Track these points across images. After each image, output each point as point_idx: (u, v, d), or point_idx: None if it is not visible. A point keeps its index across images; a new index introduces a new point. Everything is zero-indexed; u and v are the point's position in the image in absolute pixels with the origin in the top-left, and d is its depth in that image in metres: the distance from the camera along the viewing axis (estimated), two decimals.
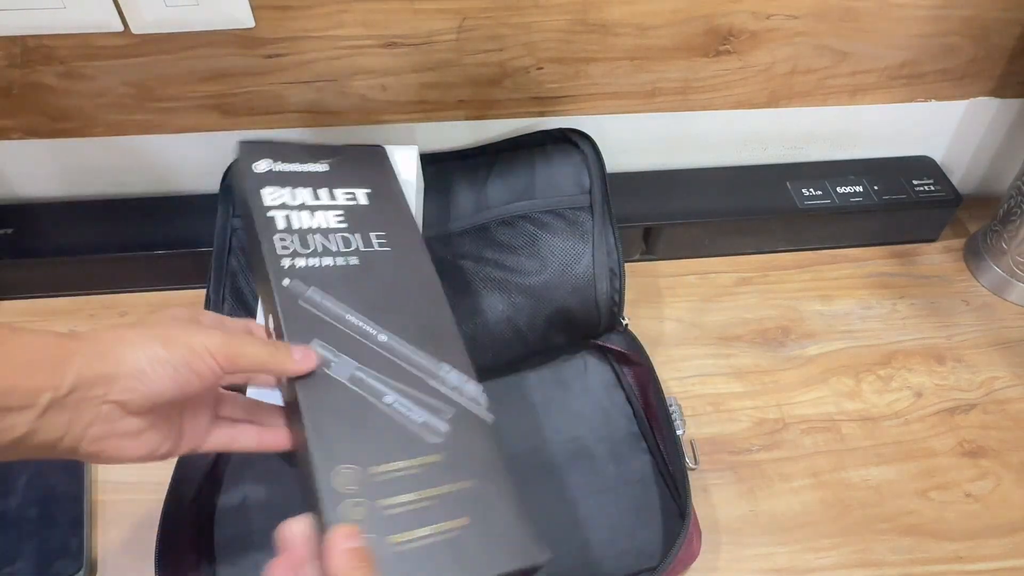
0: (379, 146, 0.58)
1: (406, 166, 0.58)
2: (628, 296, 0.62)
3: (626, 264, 0.61)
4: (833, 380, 0.64)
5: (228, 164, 0.63)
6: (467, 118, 0.67)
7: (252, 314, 0.58)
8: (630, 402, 0.62)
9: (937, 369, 0.65)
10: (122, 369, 0.35)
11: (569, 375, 0.63)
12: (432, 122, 0.67)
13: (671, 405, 0.58)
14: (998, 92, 0.71)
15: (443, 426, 0.42)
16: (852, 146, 0.75)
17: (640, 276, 0.71)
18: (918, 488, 0.57)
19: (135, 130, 0.66)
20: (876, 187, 0.72)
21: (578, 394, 0.62)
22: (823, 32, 0.64)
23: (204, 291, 0.60)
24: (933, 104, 0.72)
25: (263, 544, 0.53)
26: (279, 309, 0.44)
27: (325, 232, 0.49)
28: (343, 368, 0.43)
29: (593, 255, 0.61)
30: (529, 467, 0.57)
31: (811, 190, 0.72)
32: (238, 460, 0.57)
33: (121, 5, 0.55)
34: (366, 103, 0.65)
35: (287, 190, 0.50)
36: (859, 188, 0.72)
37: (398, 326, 0.45)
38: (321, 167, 0.53)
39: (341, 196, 0.52)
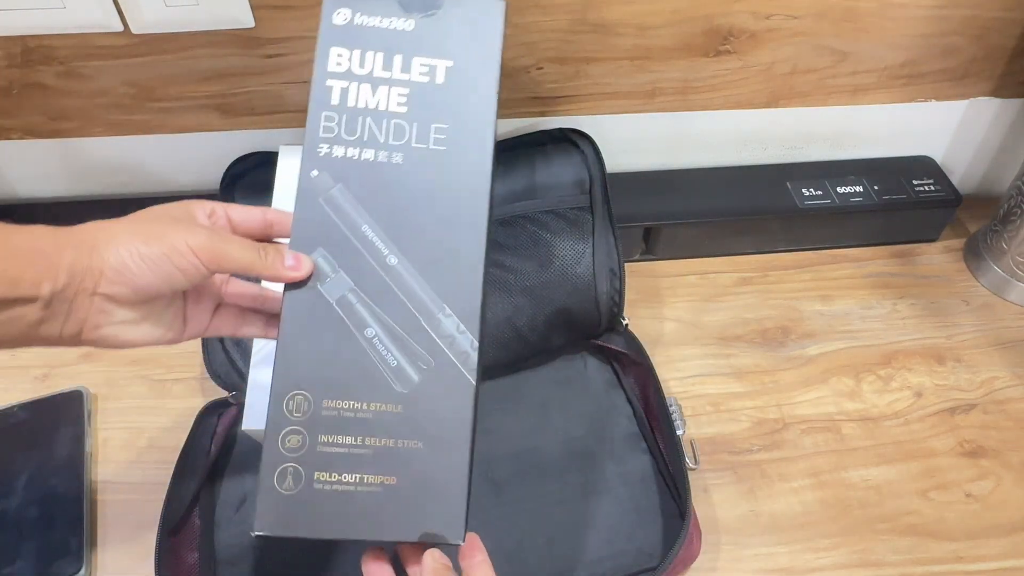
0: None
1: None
2: (628, 296, 0.62)
3: (626, 264, 0.62)
4: (833, 380, 0.64)
5: (228, 164, 0.63)
6: None
7: None
8: (630, 402, 0.62)
9: (937, 369, 0.65)
10: (107, 264, 0.36)
11: (569, 375, 0.63)
12: None
13: (671, 405, 0.58)
14: (998, 92, 0.71)
15: (415, 376, 0.40)
16: (852, 146, 0.75)
17: (640, 276, 0.71)
18: (918, 488, 0.57)
19: (135, 130, 0.66)
20: (876, 187, 0.72)
21: (578, 394, 0.62)
22: (823, 32, 0.64)
23: None
24: (933, 104, 0.72)
25: (263, 544, 0.53)
26: (295, 203, 0.41)
27: (379, 116, 0.42)
28: (336, 287, 0.40)
29: (593, 255, 0.61)
30: (529, 467, 0.57)
31: (811, 190, 0.72)
32: (238, 460, 0.57)
33: (121, 5, 0.55)
34: None
35: (357, 53, 0.43)
36: (859, 188, 0.72)
37: (414, 249, 0.41)
38: (407, 24, 0.43)
39: (417, 68, 0.43)
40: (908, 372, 0.64)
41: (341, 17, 0.43)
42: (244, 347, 0.58)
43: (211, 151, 0.67)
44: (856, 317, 0.69)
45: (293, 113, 0.65)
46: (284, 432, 0.39)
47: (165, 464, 0.54)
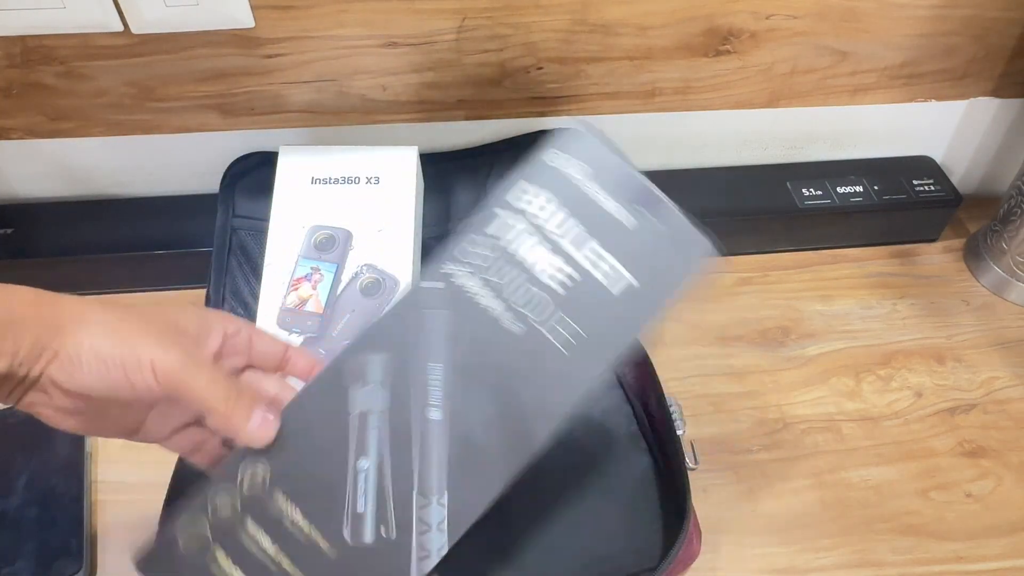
0: (708, 242, 0.41)
1: (404, 167, 0.58)
2: None
3: None
4: (833, 380, 0.64)
5: (228, 164, 0.63)
6: (467, 118, 0.67)
7: (252, 315, 0.58)
8: (630, 402, 0.61)
9: (937, 369, 0.65)
10: (63, 350, 0.34)
11: None
12: (432, 122, 0.67)
13: (671, 405, 0.58)
14: (998, 92, 0.71)
15: (369, 536, 0.35)
16: (852, 146, 0.75)
17: None
18: (918, 488, 0.57)
19: (135, 130, 0.66)
20: (876, 187, 0.72)
21: None
22: (823, 32, 0.64)
23: (204, 291, 0.60)
24: (933, 104, 0.72)
25: None
26: (394, 301, 0.38)
27: (526, 276, 0.37)
28: (367, 399, 0.36)
29: None
30: (529, 467, 0.57)
31: (811, 190, 0.72)
32: None
33: (121, 5, 0.55)
34: (366, 103, 0.65)
35: (552, 209, 0.38)
36: (859, 188, 0.72)
37: (461, 420, 0.37)
38: (619, 213, 0.39)
39: (586, 256, 0.38)
40: (908, 372, 0.64)
41: (567, 166, 0.40)
42: None
43: (211, 151, 0.67)
44: (856, 317, 0.69)
45: (293, 113, 0.65)
46: (222, 489, 0.36)
47: (165, 464, 0.54)
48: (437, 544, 0.36)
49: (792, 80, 0.68)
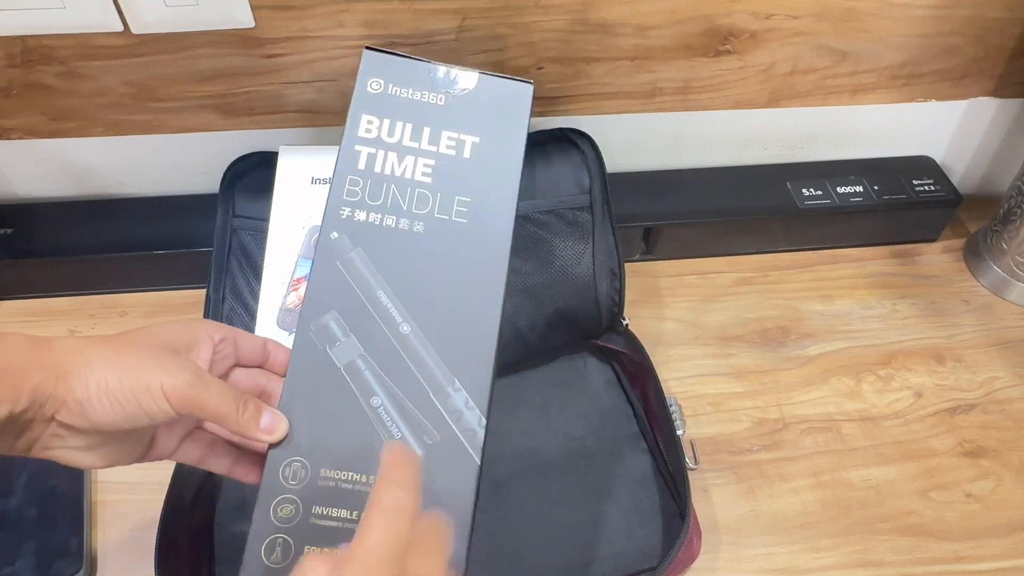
0: (528, 82, 0.47)
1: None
2: (628, 296, 0.62)
3: (626, 264, 0.61)
4: (833, 380, 0.64)
5: (229, 163, 0.63)
6: None
7: (252, 315, 0.58)
8: (630, 402, 0.62)
9: (937, 369, 0.65)
10: (71, 395, 0.34)
11: (569, 375, 0.63)
12: None
13: (671, 405, 0.58)
14: (998, 92, 0.71)
15: (419, 450, 0.39)
16: (852, 146, 0.75)
17: (640, 276, 0.71)
18: (918, 488, 0.57)
19: (135, 130, 0.66)
20: (876, 187, 0.72)
21: (578, 394, 0.62)
22: (823, 32, 0.64)
23: (204, 291, 0.60)
24: (933, 104, 0.72)
25: None
26: (312, 265, 0.41)
27: (404, 184, 0.43)
28: (345, 351, 0.39)
29: (593, 255, 0.61)
30: (529, 467, 0.57)
31: (811, 190, 0.72)
32: None
33: (121, 5, 0.55)
34: None
35: (387, 122, 0.44)
36: (859, 188, 0.72)
37: (428, 319, 0.41)
38: (438, 99, 0.45)
39: (444, 141, 0.44)
40: (908, 372, 0.64)
41: (375, 86, 0.44)
42: None
43: (211, 151, 0.67)
44: (856, 317, 0.69)
45: (293, 113, 0.65)
46: (277, 500, 0.37)
47: (165, 464, 0.54)
48: (475, 420, 0.39)
49: (792, 80, 0.68)
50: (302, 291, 0.56)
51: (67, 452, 0.36)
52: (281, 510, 0.37)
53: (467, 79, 0.45)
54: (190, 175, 0.69)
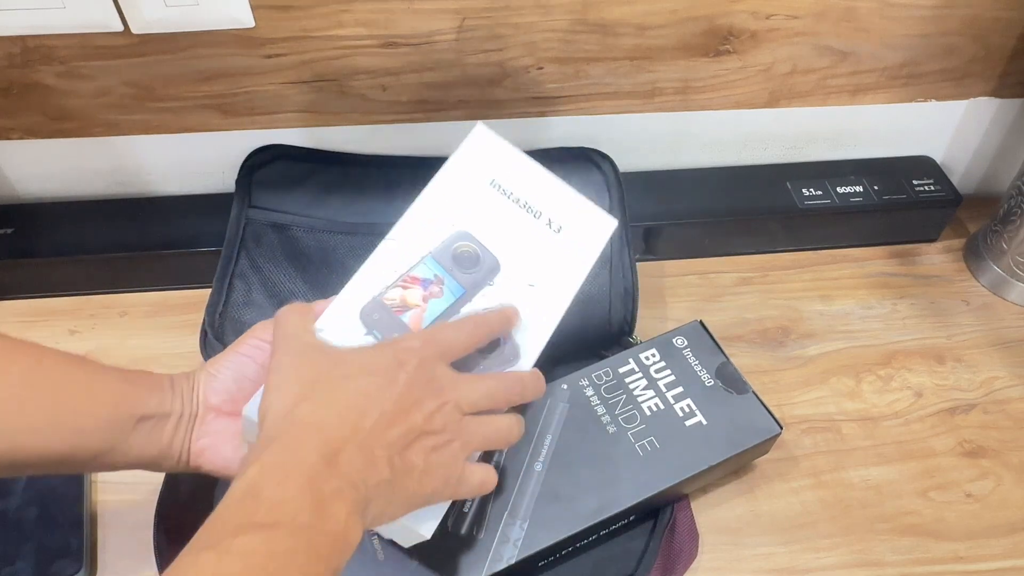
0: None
1: (597, 234, 0.50)
2: None
3: None
4: (833, 380, 0.64)
5: (246, 156, 0.63)
6: (467, 118, 0.67)
7: (254, 310, 0.58)
8: None
9: (937, 369, 0.65)
10: (199, 377, 0.44)
11: None
12: (432, 122, 0.67)
13: None
14: (998, 92, 0.71)
15: (464, 531, 0.48)
16: (852, 146, 0.75)
17: (640, 276, 0.71)
18: (918, 488, 0.57)
19: (135, 130, 0.66)
20: (876, 187, 0.72)
21: None
22: (823, 32, 0.64)
23: (203, 291, 0.60)
24: (933, 104, 0.72)
25: None
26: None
27: (629, 399, 0.54)
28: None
29: (610, 275, 0.61)
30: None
31: (811, 190, 0.72)
32: None
33: (121, 5, 0.55)
34: (366, 103, 0.65)
35: (662, 366, 0.56)
36: (859, 188, 0.72)
37: (556, 473, 0.50)
38: (704, 375, 0.56)
39: (673, 397, 0.55)
40: (908, 372, 0.64)
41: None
42: None
43: (211, 151, 0.67)
44: (856, 317, 0.69)
45: (293, 113, 0.65)
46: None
47: None
48: (509, 554, 0.47)
49: (792, 80, 0.68)
50: (410, 294, 0.46)
51: (213, 441, 0.43)
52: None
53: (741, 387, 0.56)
54: (190, 175, 0.69)
